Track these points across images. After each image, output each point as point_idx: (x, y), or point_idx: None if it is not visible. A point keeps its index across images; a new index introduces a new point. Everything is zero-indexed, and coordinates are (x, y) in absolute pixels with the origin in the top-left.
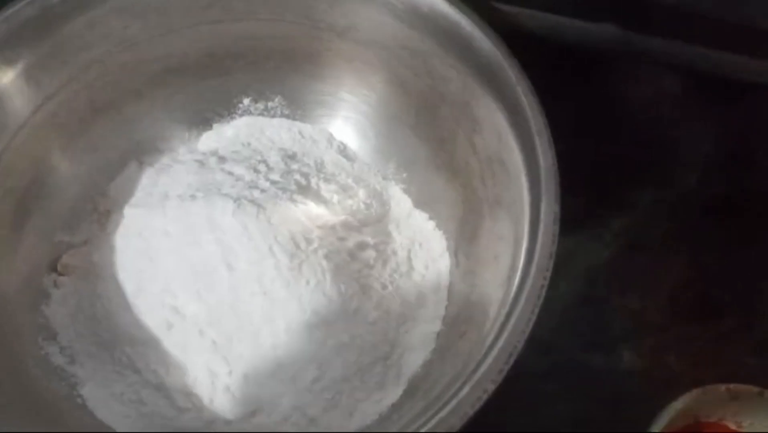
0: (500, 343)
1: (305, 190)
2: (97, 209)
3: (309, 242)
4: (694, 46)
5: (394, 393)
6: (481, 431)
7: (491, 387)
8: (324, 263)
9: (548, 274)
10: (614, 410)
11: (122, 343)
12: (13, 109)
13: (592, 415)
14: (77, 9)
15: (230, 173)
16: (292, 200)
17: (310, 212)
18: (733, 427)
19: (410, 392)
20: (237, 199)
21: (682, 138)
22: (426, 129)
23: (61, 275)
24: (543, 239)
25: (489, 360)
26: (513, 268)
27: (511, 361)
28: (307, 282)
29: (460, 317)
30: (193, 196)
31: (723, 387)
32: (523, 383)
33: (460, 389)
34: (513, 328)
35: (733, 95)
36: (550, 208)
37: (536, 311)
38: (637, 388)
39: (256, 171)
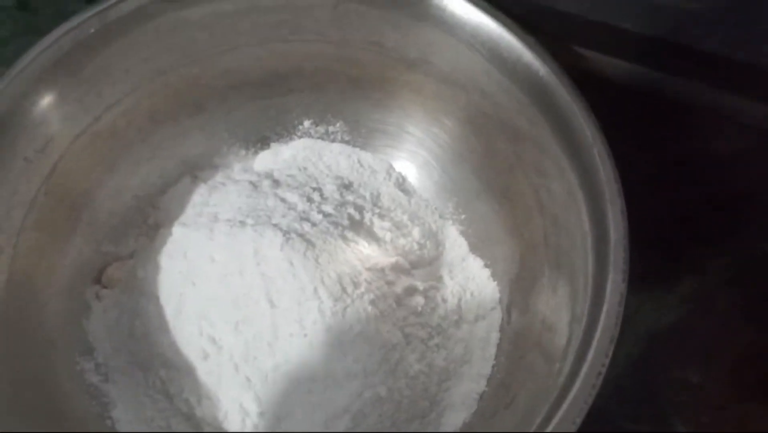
0: (554, 422)
1: (358, 226)
2: (147, 222)
3: (356, 285)
4: None
5: None
6: None
7: None
8: (369, 309)
9: (607, 361)
10: None
11: (157, 365)
12: (73, 117)
13: None
14: (145, 19)
15: (283, 200)
16: (343, 237)
17: (361, 252)
18: None
19: None
20: (286, 233)
21: (761, 199)
22: (491, 174)
23: (104, 287)
24: (605, 321)
25: None
26: (570, 343)
27: None
28: (350, 328)
29: (506, 382)
30: (242, 223)
31: None
32: None
33: None
34: (563, 417)
35: None
36: (616, 288)
37: (590, 400)
38: None
39: (310, 200)
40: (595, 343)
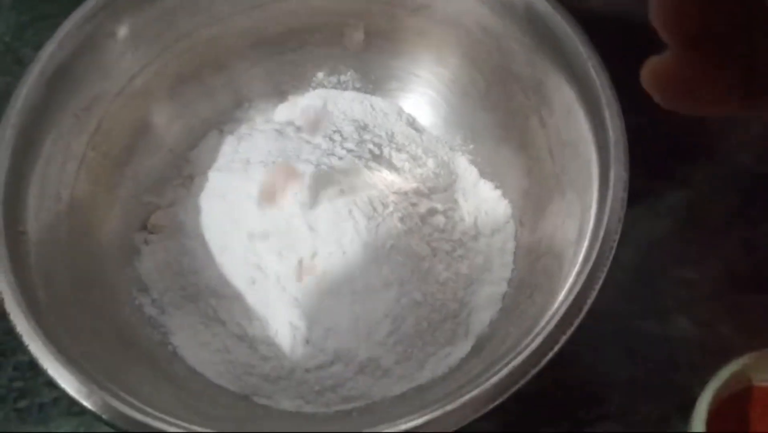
0: (569, 301)
1: (378, 158)
2: (181, 174)
3: (385, 206)
4: None
5: (462, 349)
6: (540, 389)
7: (561, 339)
8: (399, 225)
9: (617, 237)
10: (669, 373)
11: (207, 296)
12: (113, 77)
13: (648, 378)
14: None
15: (308, 142)
16: (368, 167)
17: (385, 179)
18: None
19: (478, 348)
20: (318, 165)
21: (738, 118)
22: (495, 103)
23: (150, 233)
24: (612, 204)
25: (559, 315)
26: (581, 232)
27: (582, 316)
28: (384, 243)
29: (525, 281)
30: (275, 163)
31: None
32: (580, 347)
33: (530, 343)
34: (583, 286)
35: None
36: (619, 176)
37: (606, 268)
38: (691, 354)
39: (332, 140)
40: (605, 221)
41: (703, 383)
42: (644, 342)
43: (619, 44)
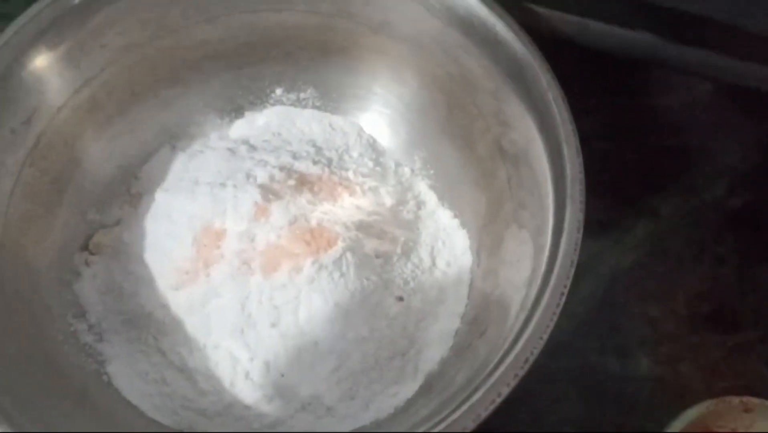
0: (517, 348)
1: (335, 180)
2: (129, 191)
3: (335, 236)
4: (726, 57)
5: (410, 388)
6: (489, 430)
7: (506, 391)
8: (349, 256)
9: (568, 282)
10: (626, 415)
11: (148, 323)
12: (54, 91)
13: (603, 419)
14: None
15: (260, 162)
16: (321, 190)
17: (338, 205)
18: None
19: (426, 388)
20: (265, 190)
21: (710, 148)
22: (455, 128)
23: (92, 253)
24: (566, 247)
25: (505, 364)
26: (534, 272)
27: (527, 366)
28: (331, 275)
29: (479, 317)
30: (223, 184)
31: (737, 399)
32: (535, 383)
33: (475, 391)
34: (531, 334)
35: (763, 107)
36: (574, 217)
37: (554, 318)
38: (651, 394)
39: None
40: (557, 266)
41: (660, 426)
42: (602, 380)
43: (585, 70)
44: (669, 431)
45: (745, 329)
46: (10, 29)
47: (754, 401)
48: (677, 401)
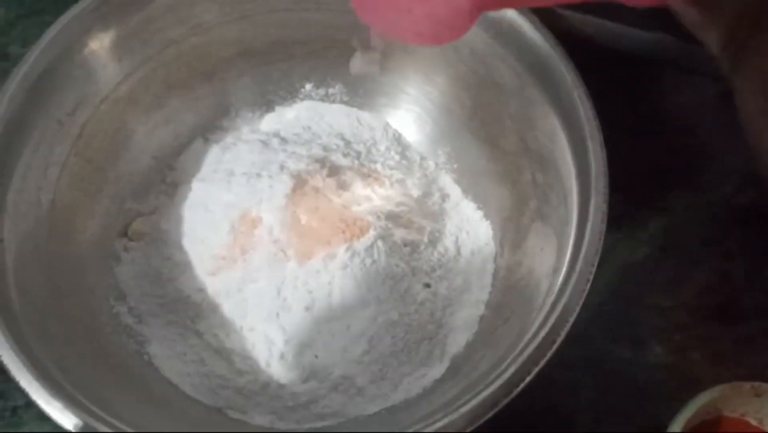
0: (545, 330)
1: (362, 173)
2: (165, 181)
3: (367, 224)
4: None
5: (438, 370)
6: (509, 415)
7: (534, 369)
8: (380, 243)
9: (593, 268)
10: (639, 400)
11: (185, 307)
12: (98, 83)
13: (618, 404)
14: None
15: (293, 153)
16: (351, 184)
17: (367, 196)
18: (754, 423)
19: (453, 370)
20: (300, 179)
21: (719, 148)
22: (479, 125)
23: (131, 240)
24: (591, 236)
25: (534, 344)
26: (558, 261)
27: (555, 348)
28: (363, 262)
29: (503, 304)
30: (258, 175)
31: (748, 385)
32: (552, 371)
33: (506, 369)
34: (559, 316)
35: None
36: (599, 208)
37: (580, 303)
38: (663, 381)
39: (317, 153)
40: (582, 253)
41: (673, 411)
42: (616, 367)
43: (601, 69)
44: (681, 415)
45: (751, 320)
46: (57, 24)
47: (764, 386)
48: (688, 387)
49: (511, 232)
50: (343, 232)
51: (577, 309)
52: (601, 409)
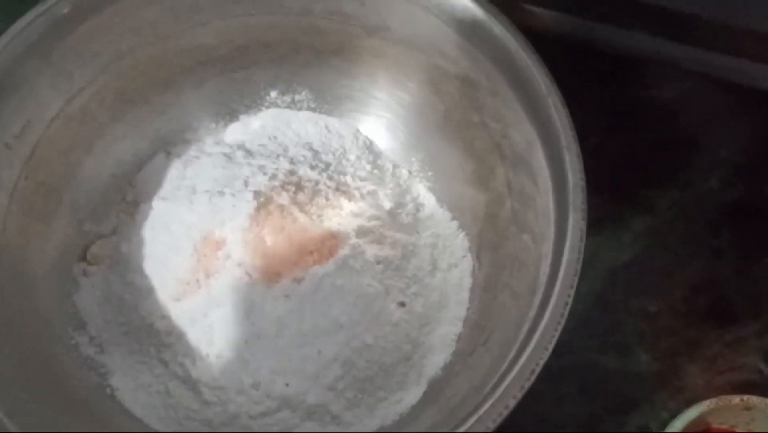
0: (522, 360)
1: (331, 186)
2: (125, 199)
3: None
4: (719, 54)
5: (414, 394)
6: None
7: (512, 403)
8: (350, 263)
9: (572, 291)
10: (627, 411)
11: (149, 334)
12: (47, 101)
13: (605, 415)
14: (108, 2)
15: (258, 167)
16: (318, 198)
17: (336, 211)
18: None
19: (431, 395)
20: (264, 198)
21: (705, 143)
22: (453, 129)
23: (90, 264)
24: (569, 256)
25: (511, 376)
26: (537, 280)
27: (533, 378)
28: (333, 284)
29: (481, 323)
30: (221, 192)
31: (737, 398)
32: (539, 383)
33: (483, 403)
34: (536, 345)
35: (756, 103)
36: (576, 225)
37: (559, 328)
38: (651, 391)
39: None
40: (560, 276)
41: (660, 421)
42: (602, 377)
43: (578, 66)
44: (670, 430)
45: (742, 322)
46: (3, 39)
47: (753, 399)
48: (677, 396)
49: (488, 244)
50: (311, 253)
51: (557, 334)
52: (589, 422)
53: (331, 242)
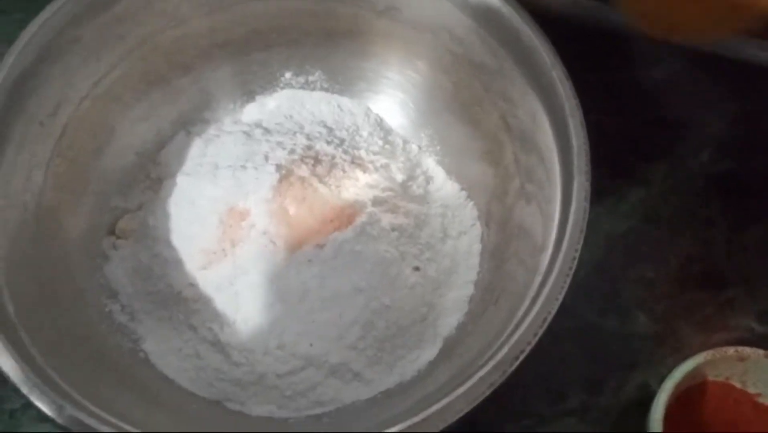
0: (536, 308)
1: (347, 160)
2: (149, 176)
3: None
4: None
5: (431, 352)
6: (501, 390)
7: (528, 348)
8: (368, 230)
9: (579, 246)
10: (628, 370)
11: (177, 302)
12: (77, 82)
13: (607, 375)
14: None
15: (277, 143)
16: (335, 171)
17: (352, 183)
18: (738, 386)
19: (446, 352)
20: (286, 170)
21: (693, 118)
22: (460, 106)
23: (118, 238)
24: (575, 215)
25: (525, 324)
26: (544, 239)
27: (546, 325)
28: (353, 249)
29: (492, 285)
30: (243, 167)
31: (732, 349)
32: (541, 344)
33: (499, 350)
34: (548, 295)
35: (747, 78)
36: (582, 186)
37: (568, 281)
38: (650, 350)
39: (300, 142)
40: (568, 232)
41: (660, 379)
42: (604, 339)
43: (581, 44)
44: (669, 381)
45: (733, 286)
46: (33, 25)
47: (747, 350)
48: (675, 354)
49: (496, 212)
50: (332, 221)
51: (566, 286)
52: (591, 380)
53: (349, 210)
